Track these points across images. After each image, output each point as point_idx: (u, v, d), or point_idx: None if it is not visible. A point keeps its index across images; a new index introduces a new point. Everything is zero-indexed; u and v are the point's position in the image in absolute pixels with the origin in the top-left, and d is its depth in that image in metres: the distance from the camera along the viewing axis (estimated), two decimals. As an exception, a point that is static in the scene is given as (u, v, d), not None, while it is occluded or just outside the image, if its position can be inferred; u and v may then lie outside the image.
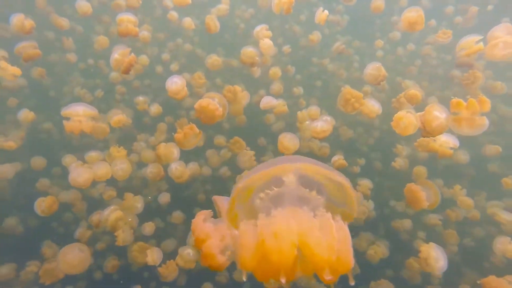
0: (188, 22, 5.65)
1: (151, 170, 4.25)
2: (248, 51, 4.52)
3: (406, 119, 2.76)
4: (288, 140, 3.68)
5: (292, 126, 7.07)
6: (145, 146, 5.37)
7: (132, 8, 6.97)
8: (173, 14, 6.58)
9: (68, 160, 4.73)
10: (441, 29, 5.46)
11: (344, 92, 3.83)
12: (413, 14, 3.93)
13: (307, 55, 9.55)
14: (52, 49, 8.19)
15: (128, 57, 3.40)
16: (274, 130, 6.58)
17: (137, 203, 4.44)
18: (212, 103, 3.31)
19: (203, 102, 3.32)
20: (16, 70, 3.82)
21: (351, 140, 7.41)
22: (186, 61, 8.66)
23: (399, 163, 5.64)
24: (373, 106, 3.99)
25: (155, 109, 5.45)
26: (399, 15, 8.64)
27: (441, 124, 2.58)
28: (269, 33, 4.78)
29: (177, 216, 5.87)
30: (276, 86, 5.83)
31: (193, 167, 4.82)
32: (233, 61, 7.94)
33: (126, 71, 3.43)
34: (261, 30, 4.81)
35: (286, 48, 7.13)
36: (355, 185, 5.63)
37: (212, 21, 4.83)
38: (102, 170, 3.77)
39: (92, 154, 4.48)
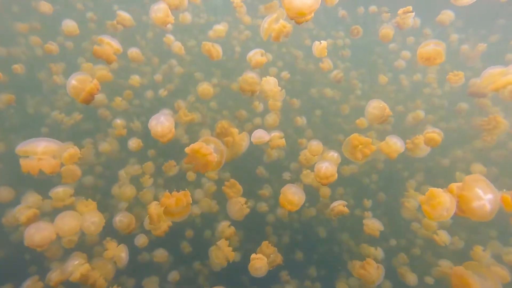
0: (178, 46, 5.07)
1: (120, 219, 3.51)
2: (249, 77, 3.85)
3: (440, 199, 2.03)
4: (292, 194, 3.03)
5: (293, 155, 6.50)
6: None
7: (125, 27, 6.50)
8: (170, 37, 6.07)
9: (30, 199, 3.85)
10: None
11: (351, 138, 3.24)
12: (430, 48, 3.40)
13: (306, 81, 9.10)
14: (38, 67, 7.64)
15: (89, 85, 2.71)
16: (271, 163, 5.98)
17: (122, 252, 3.68)
18: (205, 147, 2.68)
19: (195, 145, 2.70)
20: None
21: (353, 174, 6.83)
22: (179, 84, 8.13)
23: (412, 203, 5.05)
24: (395, 145, 3.37)
25: (133, 143, 4.77)
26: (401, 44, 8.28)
27: (483, 209, 1.87)
28: (264, 58, 4.20)
29: (160, 254, 5.20)
30: (271, 118, 5.14)
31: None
32: (230, 85, 7.42)
33: (86, 101, 2.74)
34: (255, 54, 4.21)
35: (285, 74, 6.61)
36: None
37: (214, 48, 4.25)
38: (69, 225, 2.99)
39: (59, 190, 3.76)
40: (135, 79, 6.42)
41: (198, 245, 6.10)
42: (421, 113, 6.32)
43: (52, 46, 6.03)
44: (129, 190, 4.15)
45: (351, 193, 7.47)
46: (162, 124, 2.90)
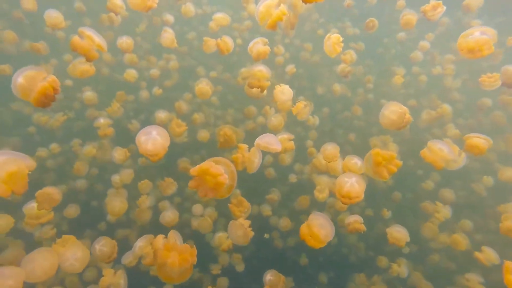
0: (170, 40, 4.33)
1: (101, 248, 2.88)
2: (257, 70, 3.13)
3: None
4: (319, 227, 2.33)
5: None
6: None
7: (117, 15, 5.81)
8: (168, 30, 5.36)
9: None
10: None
11: (372, 155, 2.59)
12: (476, 37, 2.69)
13: (311, 76, 8.38)
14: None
15: (42, 83, 1.99)
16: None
17: (120, 279, 3.07)
18: (215, 166, 2.09)
19: (203, 165, 2.09)
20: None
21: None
22: (177, 80, 7.45)
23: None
24: (441, 151, 2.70)
25: (120, 155, 4.08)
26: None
27: None
28: (267, 48, 3.51)
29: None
30: (277, 120, 4.40)
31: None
32: (234, 81, 6.72)
33: (41, 103, 2.04)
34: (256, 44, 3.52)
35: (291, 68, 5.91)
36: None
37: (223, 42, 3.54)
38: (44, 266, 2.23)
39: (33, 206, 3.10)
40: (131, 74, 5.76)
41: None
42: (447, 108, 5.56)
43: (40, 45, 5.38)
44: (118, 205, 3.52)
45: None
46: (154, 140, 2.25)
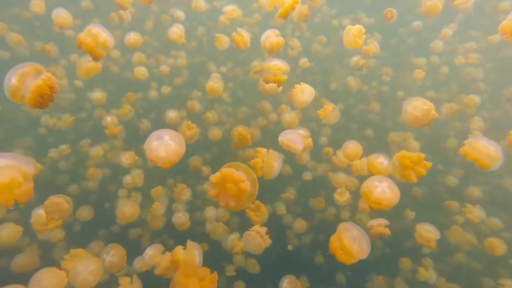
0: (178, 34, 4.07)
1: (110, 260, 2.70)
2: (273, 64, 2.85)
3: None
4: (351, 241, 1.95)
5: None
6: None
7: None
8: (177, 25, 5.10)
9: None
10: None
11: (399, 158, 2.33)
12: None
13: (324, 69, 8.04)
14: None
15: (37, 81, 1.75)
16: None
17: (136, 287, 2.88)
18: (236, 172, 1.88)
19: (224, 171, 1.89)
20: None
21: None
22: (187, 77, 7.23)
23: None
24: (486, 149, 2.37)
25: (127, 159, 3.85)
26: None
27: None
28: (281, 39, 3.27)
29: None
30: (291, 117, 4.06)
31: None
32: (245, 76, 6.45)
33: (38, 104, 1.79)
34: (269, 36, 3.28)
35: (304, 62, 5.59)
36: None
37: (240, 36, 3.28)
38: (51, 286, 2.04)
39: (41, 213, 2.94)
40: (141, 72, 5.54)
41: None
42: (474, 98, 5.14)
43: (50, 47, 5.22)
44: (129, 210, 3.33)
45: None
46: (167, 146, 2.00)
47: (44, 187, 6.10)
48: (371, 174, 2.82)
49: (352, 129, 7.38)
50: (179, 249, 2.28)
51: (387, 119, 7.53)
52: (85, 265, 2.26)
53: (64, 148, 4.87)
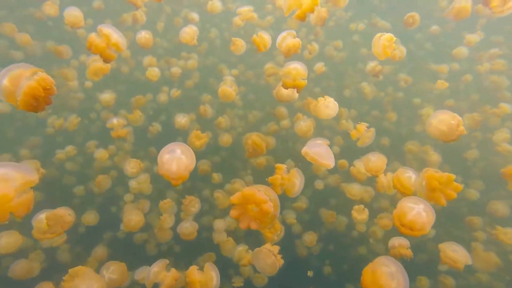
0: (191, 35, 3.85)
1: (109, 276, 2.48)
2: (292, 68, 2.64)
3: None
4: (388, 277, 1.63)
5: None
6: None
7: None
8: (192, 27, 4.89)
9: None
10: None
11: (426, 179, 2.11)
12: None
13: (338, 74, 7.76)
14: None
15: (29, 82, 1.54)
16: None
17: None
18: (259, 192, 1.72)
19: (247, 191, 1.72)
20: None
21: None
22: (199, 79, 7.04)
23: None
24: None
25: (132, 168, 3.62)
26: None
27: None
28: (298, 40, 3.06)
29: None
30: (306, 125, 3.72)
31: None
32: (258, 80, 6.22)
33: (32, 106, 1.58)
34: (285, 38, 3.05)
35: (320, 67, 5.33)
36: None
37: (260, 38, 3.04)
38: None
39: (42, 217, 2.72)
40: (153, 73, 5.33)
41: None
42: (505, 107, 4.79)
43: (62, 48, 5.09)
44: (134, 218, 3.12)
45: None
46: (179, 160, 1.81)
47: (51, 187, 5.97)
48: (396, 189, 2.55)
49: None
50: (193, 269, 2.07)
51: (402, 126, 7.19)
52: (88, 284, 2.05)
53: (70, 149, 4.71)
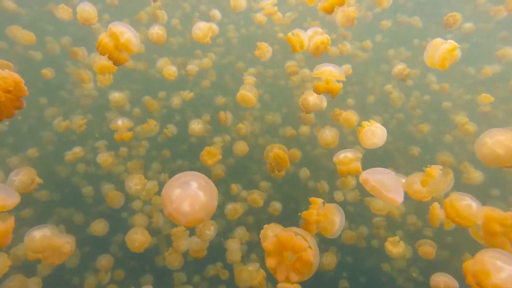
0: (204, 31, 3.37)
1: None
2: (327, 70, 2.19)
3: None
4: None
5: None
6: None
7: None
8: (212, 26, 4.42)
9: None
10: None
11: (485, 221, 1.70)
12: None
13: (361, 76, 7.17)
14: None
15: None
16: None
17: None
18: (296, 238, 1.38)
19: (282, 236, 1.37)
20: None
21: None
22: (216, 79, 6.62)
23: None
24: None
25: (136, 184, 3.19)
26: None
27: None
28: (327, 36, 2.67)
29: None
30: (331, 135, 3.27)
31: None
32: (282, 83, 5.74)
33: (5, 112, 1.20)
34: (312, 36, 2.67)
35: (346, 69, 4.75)
36: None
37: (296, 36, 2.59)
38: None
39: (35, 234, 2.37)
40: (170, 72, 4.84)
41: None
42: None
43: (78, 50, 4.76)
44: (139, 239, 2.73)
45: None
46: (194, 197, 1.34)
47: (60, 185, 5.70)
48: (451, 219, 2.02)
49: (392, 147, 6.43)
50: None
51: (430, 134, 6.54)
52: None
53: (78, 150, 4.38)
